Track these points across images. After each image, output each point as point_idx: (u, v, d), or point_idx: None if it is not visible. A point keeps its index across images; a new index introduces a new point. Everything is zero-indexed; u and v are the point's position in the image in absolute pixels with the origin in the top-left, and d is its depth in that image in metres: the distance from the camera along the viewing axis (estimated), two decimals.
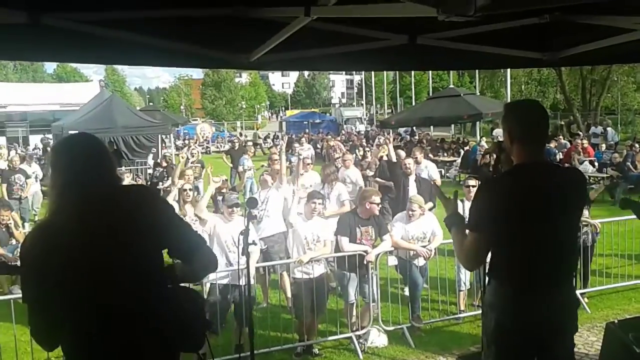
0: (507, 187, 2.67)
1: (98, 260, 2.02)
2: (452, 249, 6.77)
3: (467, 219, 2.79)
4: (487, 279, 2.83)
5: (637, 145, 16.15)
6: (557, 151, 17.21)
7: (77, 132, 2.33)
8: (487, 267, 2.84)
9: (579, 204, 2.81)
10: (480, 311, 6.56)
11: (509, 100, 23.82)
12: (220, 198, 7.34)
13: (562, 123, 28.71)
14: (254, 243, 3.71)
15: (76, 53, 3.02)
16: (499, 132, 22.34)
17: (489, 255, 2.75)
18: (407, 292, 6.71)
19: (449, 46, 3.58)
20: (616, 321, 3.98)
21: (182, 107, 69.93)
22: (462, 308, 6.72)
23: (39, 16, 2.55)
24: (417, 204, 6.39)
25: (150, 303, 2.10)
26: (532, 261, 2.62)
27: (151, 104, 60.46)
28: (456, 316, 6.60)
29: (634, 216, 7.84)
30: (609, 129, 24.15)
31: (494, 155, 2.94)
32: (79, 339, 2.06)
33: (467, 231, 2.75)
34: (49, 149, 25.01)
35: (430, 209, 7.40)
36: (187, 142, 30.06)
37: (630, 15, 3.21)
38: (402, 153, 10.13)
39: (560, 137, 20.94)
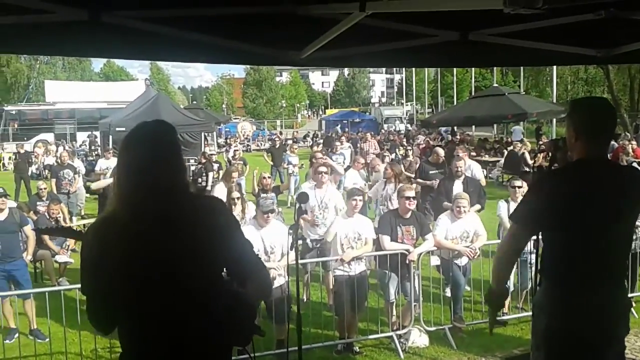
0: (558, 182, 2.61)
1: (153, 262, 2.00)
2: (495, 250, 6.74)
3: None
4: (538, 279, 2.76)
5: None
6: None
7: (156, 120, 2.21)
8: (539, 267, 2.78)
9: (636, 204, 2.73)
10: (523, 314, 6.51)
11: (554, 100, 23.27)
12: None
13: None
14: (302, 238, 3.72)
15: (136, 50, 3.10)
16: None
17: (541, 254, 2.70)
18: (448, 293, 6.63)
19: (501, 42, 3.52)
20: None
21: (223, 106, 70.88)
22: (506, 310, 6.60)
23: (100, 13, 2.62)
24: (465, 200, 6.33)
25: (202, 307, 2.05)
26: (586, 262, 2.56)
27: (194, 102, 61.42)
28: (499, 318, 6.48)
29: None
30: None
31: (549, 154, 2.87)
32: (132, 331, 2.08)
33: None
34: (94, 145, 25.89)
35: (478, 211, 7.31)
36: (228, 140, 30.50)
37: None
38: (441, 151, 10.03)
39: None
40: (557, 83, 25.49)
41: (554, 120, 22.94)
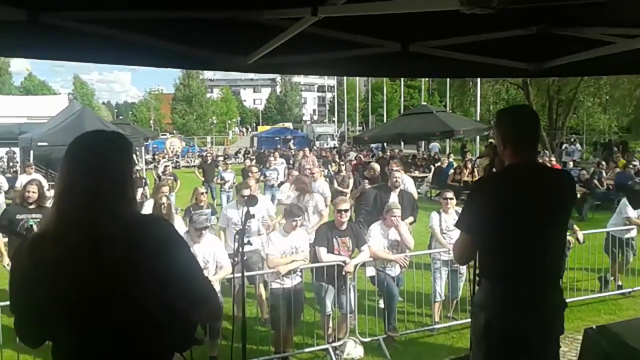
0: (497, 188, 2.72)
1: (84, 281, 1.83)
2: (428, 262, 6.93)
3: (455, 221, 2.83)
4: (477, 279, 2.85)
5: (604, 163, 16.63)
6: None
7: (101, 130, 2.00)
8: (477, 268, 2.87)
9: (569, 205, 2.87)
10: (453, 322, 6.69)
11: (478, 119, 24.38)
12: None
13: None
14: (249, 243, 3.63)
15: (75, 52, 2.96)
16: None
17: (479, 255, 2.78)
18: (382, 305, 6.72)
19: (440, 54, 3.65)
20: (594, 327, 4.05)
21: (151, 122, 69.14)
22: (437, 319, 6.76)
23: (39, 14, 2.50)
24: (398, 210, 6.46)
25: (136, 326, 1.90)
26: (522, 261, 2.66)
27: (120, 117, 59.58)
28: (431, 327, 6.64)
29: (601, 230, 8.11)
30: (576, 145, 24.82)
31: (488, 159, 2.98)
32: (59, 348, 1.95)
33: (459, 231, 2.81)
34: (12, 162, 24.45)
35: (411, 223, 7.47)
36: (157, 156, 29.71)
37: (613, 27, 3.32)
38: (377, 166, 10.24)
39: None
40: (481, 103, 26.71)
41: (478, 137, 24.01)
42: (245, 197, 4.28)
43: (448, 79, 33.09)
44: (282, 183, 11.82)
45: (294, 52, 3.35)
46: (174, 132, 61.88)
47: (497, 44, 3.63)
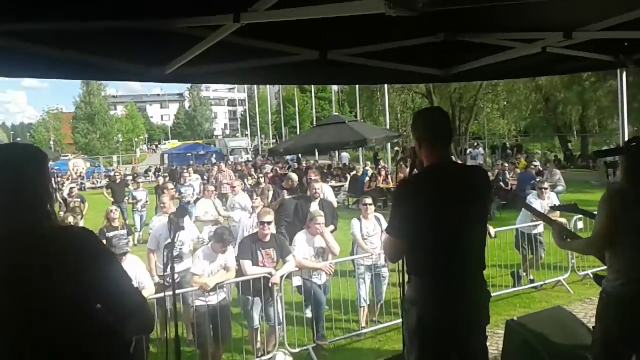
0: (418, 189, 2.81)
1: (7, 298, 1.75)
2: (351, 268, 7.02)
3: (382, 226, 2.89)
4: (407, 276, 2.91)
5: (506, 165, 17.67)
6: None
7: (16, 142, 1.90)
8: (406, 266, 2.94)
9: (486, 200, 3.02)
10: (379, 325, 6.81)
11: (388, 127, 25.17)
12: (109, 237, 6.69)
13: None
14: (179, 257, 3.48)
15: None
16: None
17: (408, 254, 2.86)
18: (308, 314, 6.72)
19: (357, 61, 3.74)
20: (515, 318, 4.28)
21: (51, 142, 65.36)
22: (363, 324, 6.84)
23: None
24: (321, 217, 6.50)
25: (65, 344, 1.83)
26: (447, 257, 2.76)
27: (18, 139, 55.88)
28: (358, 332, 6.70)
29: (510, 227, 8.60)
30: (479, 149, 26.23)
31: (409, 161, 3.06)
32: None
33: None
34: None
35: (332, 232, 7.53)
36: (60, 178, 28.07)
37: (513, 31, 3.54)
38: (295, 176, 10.27)
39: None
40: (389, 112, 27.59)
41: (389, 145, 24.78)
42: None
43: (357, 90, 34.03)
44: (197, 199, 11.55)
45: (212, 61, 3.31)
46: (77, 152, 58.81)
47: (410, 51, 3.79)
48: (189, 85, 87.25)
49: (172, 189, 9.42)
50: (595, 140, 30.06)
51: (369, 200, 7.14)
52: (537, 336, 3.91)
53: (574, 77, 24.60)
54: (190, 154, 43.75)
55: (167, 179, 18.48)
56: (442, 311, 2.73)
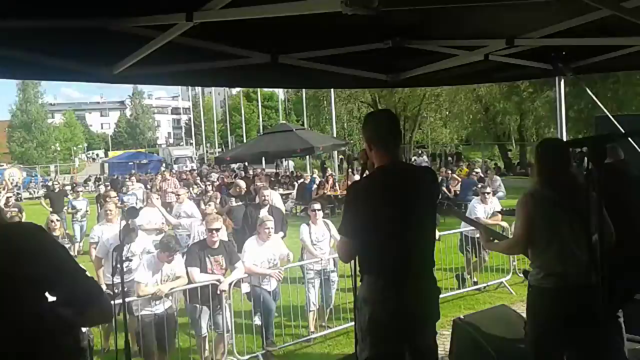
0: (368, 190, 2.88)
1: None
2: (301, 275, 7.00)
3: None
4: (360, 276, 2.95)
5: (450, 171, 18.15)
6: None
7: None
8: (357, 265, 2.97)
9: (434, 200, 3.11)
10: (328, 330, 6.82)
11: (334, 136, 25.38)
12: None
13: None
14: (129, 259, 3.38)
15: None
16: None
17: (360, 254, 2.90)
18: (257, 321, 6.66)
19: (307, 65, 3.76)
20: (462, 317, 4.40)
21: None
22: (313, 330, 6.84)
23: None
24: (271, 222, 6.48)
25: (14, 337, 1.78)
26: (397, 254, 2.82)
27: None
28: (307, 338, 6.70)
29: (455, 231, 8.83)
30: (423, 157, 26.82)
31: (362, 162, 3.11)
32: None
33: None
34: None
35: (282, 238, 7.50)
36: None
37: (455, 39, 3.66)
38: (243, 183, 10.20)
39: None
40: (336, 121, 27.84)
41: (336, 153, 24.98)
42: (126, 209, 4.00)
43: (304, 99, 34.19)
44: (141, 208, 11.24)
45: (163, 62, 3.26)
46: (13, 161, 56.16)
47: (359, 56, 3.87)
48: (130, 92, 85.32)
49: (115, 197, 9.10)
50: (533, 149, 31.26)
51: (317, 205, 7.17)
52: (482, 333, 4.08)
53: (513, 88, 25.63)
54: (132, 163, 42.62)
55: (109, 187, 17.92)
56: (394, 308, 2.78)
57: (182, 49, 3.06)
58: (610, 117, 4.85)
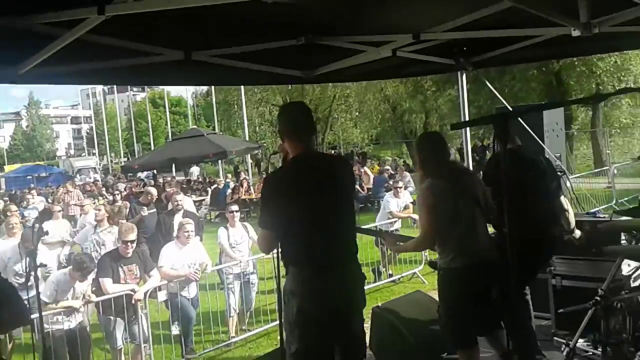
0: (283, 180, 2.91)
1: None
2: (219, 281, 6.88)
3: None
4: (284, 268, 2.94)
5: (364, 169, 18.59)
6: None
7: None
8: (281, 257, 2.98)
9: (351, 186, 3.18)
10: (248, 333, 6.76)
11: (247, 139, 25.18)
12: None
13: None
14: (42, 265, 3.15)
15: None
16: None
17: (282, 245, 2.90)
18: (175, 331, 6.48)
19: (221, 62, 3.72)
20: (380, 305, 4.53)
21: None
22: (233, 334, 6.75)
23: None
24: (191, 225, 6.34)
25: None
26: (318, 243, 2.84)
27: None
28: (228, 342, 6.60)
29: (369, 226, 9.04)
30: None
31: (283, 155, 3.11)
32: None
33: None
34: None
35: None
36: None
37: (365, 34, 3.76)
38: (154, 190, 9.89)
39: None
40: (248, 125, 27.62)
41: (249, 157, 24.77)
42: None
43: (214, 104, 33.62)
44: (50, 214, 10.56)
45: (71, 60, 3.10)
46: None
47: (273, 53, 3.88)
48: (26, 102, 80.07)
49: (16, 210, 8.50)
50: (414, 144, 32.66)
51: (235, 207, 7.11)
52: (400, 317, 4.28)
53: (417, 87, 26.63)
54: (30, 177, 39.94)
55: (8, 202, 16.72)
56: (321, 297, 2.79)
57: (92, 46, 2.94)
58: (509, 107, 5.18)
